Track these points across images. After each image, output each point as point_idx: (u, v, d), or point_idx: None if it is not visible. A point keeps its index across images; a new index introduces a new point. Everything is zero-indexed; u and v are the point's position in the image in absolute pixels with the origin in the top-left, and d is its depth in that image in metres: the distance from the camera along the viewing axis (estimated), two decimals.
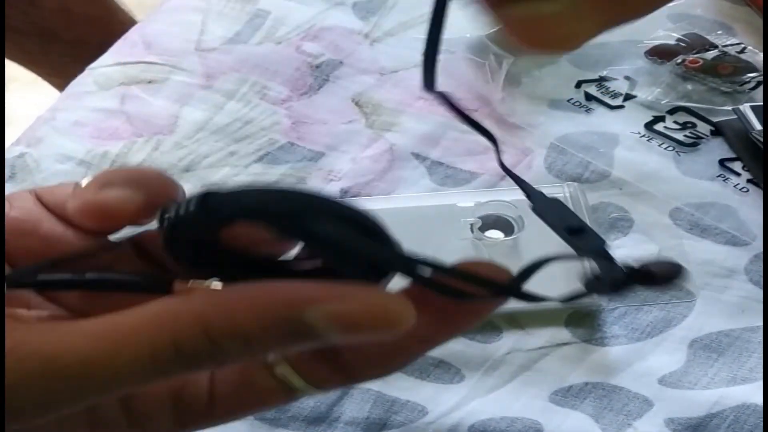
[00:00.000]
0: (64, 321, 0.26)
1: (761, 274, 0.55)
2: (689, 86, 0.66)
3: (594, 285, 0.30)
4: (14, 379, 0.24)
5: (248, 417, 0.47)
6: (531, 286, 0.53)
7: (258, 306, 0.25)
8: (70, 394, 0.25)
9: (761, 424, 0.49)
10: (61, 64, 1.00)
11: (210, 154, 0.63)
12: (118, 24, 0.98)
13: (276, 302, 0.25)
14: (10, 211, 0.31)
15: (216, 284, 0.27)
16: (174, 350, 0.25)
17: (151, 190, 0.29)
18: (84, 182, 0.31)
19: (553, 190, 0.58)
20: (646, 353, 0.52)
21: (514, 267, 0.54)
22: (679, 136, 0.63)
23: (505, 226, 0.56)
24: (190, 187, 0.59)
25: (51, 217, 0.31)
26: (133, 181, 0.29)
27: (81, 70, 0.70)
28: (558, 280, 0.53)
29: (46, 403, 0.25)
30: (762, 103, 0.63)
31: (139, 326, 0.25)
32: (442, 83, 0.36)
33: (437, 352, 0.51)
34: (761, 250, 0.57)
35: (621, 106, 0.66)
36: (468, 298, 0.27)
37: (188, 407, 0.30)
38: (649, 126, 0.64)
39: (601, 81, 0.68)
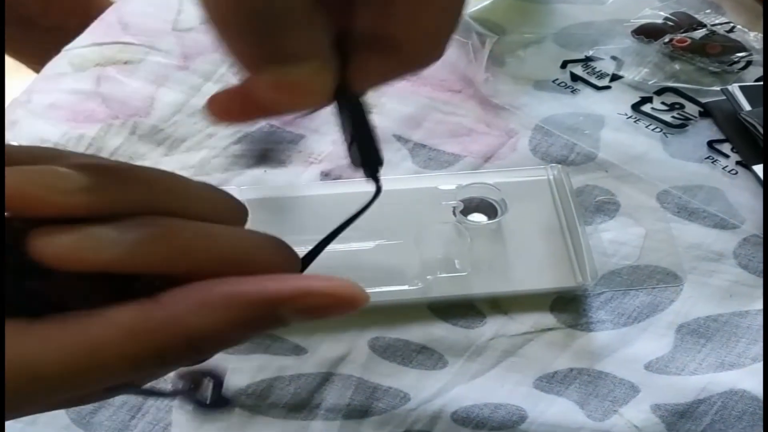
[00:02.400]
0: (36, 326, 0.25)
1: (750, 258, 0.55)
2: (677, 66, 0.66)
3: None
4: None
5: (230, 405, 0.47)
6: (518, 273, 0.53)
7: (235, 307, 0.26)
8: (47, 400, 0.25)
9: (749, 410, 0.48)
10: (42, 50, 0.99)
11: (188, 137, 0.62)
12: (96, 9, 0.97)
13: (252, 303, 0.26)
14: None
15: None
16: (158, 358, 0.25)
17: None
18: None
19: (537, 172, 0.57)
20: (633, 339, 0.52)
21: (497, 251, 0.54)
22: (667, 117, 0.63)
23: (488, 209, 0.55)
24: (168, 170, 0.59)
25: None
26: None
27: None
28: (543, 267, 0.53)
29: (22, 407, 0.25)
30: (753, 83, 0.63)
31: (121, 338, 0.25)
32: None
33: (419, 337, 0.51)
34: (750, 233, 0.56)
35: (607, 87, 0.65)
36: None
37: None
38: (636, 107, 0.64)
39: (587, 61, 0.67)
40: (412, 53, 0.30)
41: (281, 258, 0.30)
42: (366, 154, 0.34)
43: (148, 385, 0.30)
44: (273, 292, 0.27)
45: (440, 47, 0.31)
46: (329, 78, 0.29)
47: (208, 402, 0.29)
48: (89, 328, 0.25)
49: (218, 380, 0.29)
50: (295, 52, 0.27)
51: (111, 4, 1.02)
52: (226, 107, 0.31)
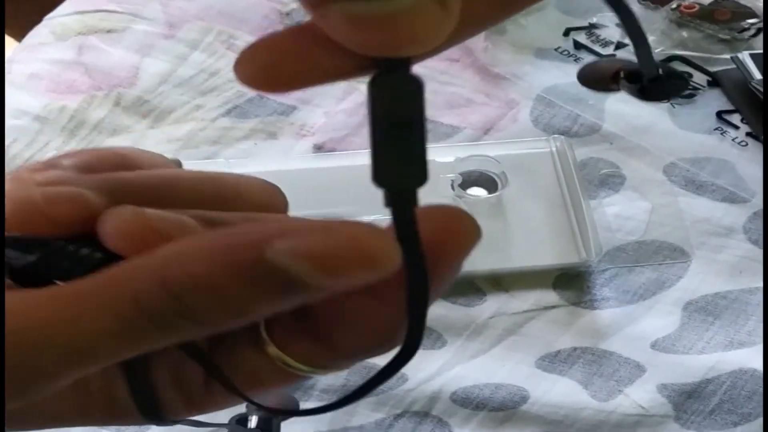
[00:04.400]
0: (27, 290, 0.24)
1: (760, 232, 0.55)
2: (685, 33, 0.65)
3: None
4: None
5: None
6: (519, 249, 0.53)
7: (214, 251, 0.22)
8: (32, 367, 0.23)
9: (759, 390, 0.48)
10: (23, 19, 0.99)
11: (175, 108, 0.61)
12: None
13: (233, 245, 0.22)
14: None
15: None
16: (137, 308, 0.23)
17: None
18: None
19: (539, 144, 0.57)
20: (638, 316, 0.51)
21: (498, 226, 0.53)
22: None
23: (487, 182, 0.55)
24: (154, 143, 0.58)
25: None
26: (84, 165, 0.27)
27: None
28: (546, 243, 0.53)
29: (18, 380, 0.23)
30: (764, 51, 0.62)
31: (98, 286, 0.23)
32: None
33: None
34: (760, 207, 0.56)
35: (612, 55, 0.65)
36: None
37: (188, 387, 0.28)
38: None
39: (590, 28, 0.66)
40: None
41: None
42: (394, 160, 0.22)
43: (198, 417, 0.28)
44: (253, 230, 0.23)
45: None
46: (434, 17, 0.20)
47: None
48: (77, 282, 0.23)
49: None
50: None
51: None
52: (267, 67, 0.22)
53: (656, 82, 0.35)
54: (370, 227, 0.22)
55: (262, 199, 0.28)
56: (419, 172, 0.22)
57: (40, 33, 0.68)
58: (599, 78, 0.42)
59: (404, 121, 0.22)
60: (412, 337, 0.24)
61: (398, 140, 0.22)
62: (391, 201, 0.22)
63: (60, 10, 0.69)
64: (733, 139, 0.60)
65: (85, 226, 0.25)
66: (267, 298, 0.23)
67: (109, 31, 0.66)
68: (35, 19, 0.87)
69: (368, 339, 0.26)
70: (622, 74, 0.40)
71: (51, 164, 0.27)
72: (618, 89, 0.41)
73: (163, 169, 0.28)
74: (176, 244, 0.23)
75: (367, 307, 0.25)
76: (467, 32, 0.22)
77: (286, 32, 0.22)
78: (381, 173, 0.22)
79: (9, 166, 0.57)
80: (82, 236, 0.24)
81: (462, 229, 0.24)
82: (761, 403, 0.48)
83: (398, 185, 0.22)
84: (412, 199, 0.22)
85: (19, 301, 0.23)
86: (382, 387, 0.48)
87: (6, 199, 0.25)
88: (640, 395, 0.48)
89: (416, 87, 0.21)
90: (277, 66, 0.22)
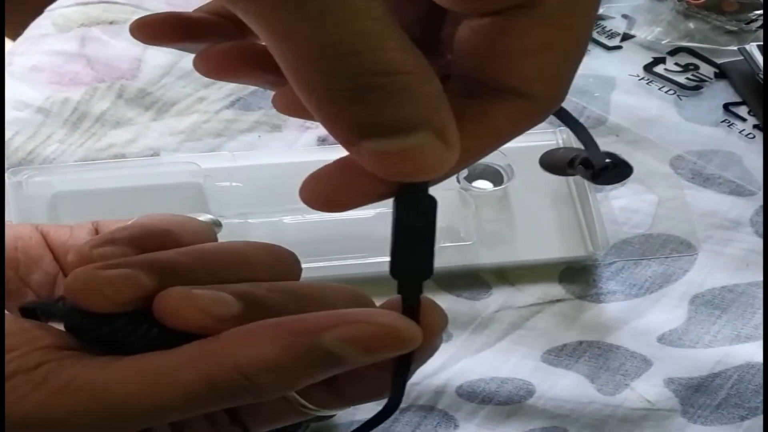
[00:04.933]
0: (112, 358, 0.29)
1: None
2: (692, 25, 0.65)
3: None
4: (67, 410, 0.27)
5: None
6: (525, 242, 0.53)
7: (280, 337, 0.28)
8: (114, 424, 0.28)
9: None
10: (28, 22, 0.99)
11: (178, 101, 0.61)
12: None
13: (295, 332, 0.28)
14: (15, 244, 0.36)
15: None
16: (209, 387, 0.28)
17: (152, 248, 0.32)
18: (83, 230, 0.37)
19: (545, 136, 0.57)
20: (645, 310, 0.51)
21: (503, 219, 0.53)
22: (681, 78, 0.62)
23: (493, 175, 0.55)
24: (157, 135, 0.58)
25: (51, 256, 0.36)
26: (135, 240, 0.32)
27: None
28: (552, 236, 0.53)
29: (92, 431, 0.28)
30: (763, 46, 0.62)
31: (177, 365, 0.28)
32: None
33: None
34: None
35: (618, 47, 0.65)
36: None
37: (218, 421, 0.34)
38: (648, 68, 0.63)
39: (597, 19, 0.66)
40: (542, 102, 0.28)
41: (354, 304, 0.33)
42: (408, 258, 0.29)
43: None
44: (311, 320, 0.29)
45: (565, 91, 0.29)
46: (443, 151, 0.26)
47: None
48: (156, 357, 0.29)
49: None
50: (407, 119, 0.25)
51: None
52: (324, 196, 0.28)
53: (605, 170, 0.47)
54: (401, 317, 0.29)
55: (279, 267, 0.34)
56: (427, 269, 0.28)
57: (41, 24, 0.67)
58: (557, 164, 0.50)
59: (419, 230, 0.28)
60: (396, 394, 0.31)
61: (414, 244, 0.28)
62: (403, 289, 0.29)
63: (61, 1, 0.69)
64: (740, 132, 0.59)
65: (138, 304, 0.30)
66: (315, 374, 0.29)
67: (111, 23, 0.65)
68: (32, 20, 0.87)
69: (368, 391, 0.33)
70: (577, 161, 0.48)
71: (107, 240, 0.32)
72: (575, 173, 0.49)
73: (203, 245, 0.33)
74: (241, 330, 0.29)
75: (372, 369, 0.30)
76: (469, 161, 0.28)
77: (335, 166, 0.28)
78: (398, 268, 0.28)
79: (11, 159, 0.57)
80: (136, 312, 0.30)
81: (433, 321, 0.30)
82: None
83: (410, 278, 0.29)
84: (419, 289, 0.29)
85: (103, 371, 0.28)
86: None
87: (71, 277, 0.30)
88: (646, 389, 0.48)
89: (431, 204, 0.28)
90: (330, 196, 0.28)
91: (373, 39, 0.24)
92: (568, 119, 0.43)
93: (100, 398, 0.28)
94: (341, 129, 0.26)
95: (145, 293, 0.30)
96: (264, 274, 0.33)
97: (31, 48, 0.65)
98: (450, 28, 0.30)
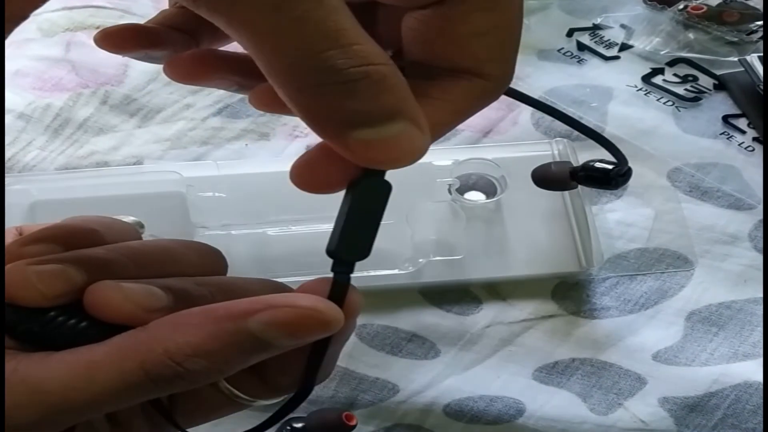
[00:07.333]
0: (45, 354, 0.30)
1: None
2: (691, 35, 0.65)
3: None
4: (9, 405, 0.28)
5: None
6: (517, 256, 0.53)
7: (208, 323, 0.30)
8: (53, 417, 0.29)
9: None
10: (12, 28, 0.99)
11: (164, 107, 0.61)
12: None
13: (222, 318, 0.30)
14: None
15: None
16: (143, 374, 0.29)
17: (78, 247, 0.33)
18: (9, 234, 0.37)
19: (540, 147, 0.56)
20: (640, 327, 0.51)
21: (495, 232, 0.53)
22: (680, 90, 0.62)
23: (486, 187, 0.55)
24: (141, 143, 0.58)
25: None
26: (61, 238, 0.33)
27: None
28: (545, 250, 0.52)
29: (33, 426, 0.29)
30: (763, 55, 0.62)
31: (110, 354, 0.29)
32: None
33: (410, 325, 0.50)
34: None
35: (616, 57, 0.65)
36: None
37: (155, 415, 0.35)
38: (646, 79, 0.63)
39: (595, 29, 0.66)
40: (495, 79, 0.32)
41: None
42: (352, 239, 0.30)
43: None
44: (237, 306, 0.30)
45: (513, 69, 0.33)
46: (420, 136, 0.29)
47: None
48: (87, 350, 0.30)
49: None
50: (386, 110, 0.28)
51: None
52: (309, 176, 0.31)
53: (624, 176, 0.49)
54: (322, 300, 0.30)
55: (206, 264, 0.35)
56: (366, 250, 0.30)
57: (26, 29, 0.67)
58: (552, 179, 0.51)
59: (370, 213, 0.30)
60: (307, 379, 0.33)
61: (360, 226, 0.30)
62: (336, 267, 0.31)
63: (47, 5, 0.68)
64: (739, 144, 0.59)
65: (69, 298, 0.31)
66: (244, 359, 0.30)
67: (97, 28, 0.65)
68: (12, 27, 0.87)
69: (298, 380, 0.34)
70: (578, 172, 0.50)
71: (35, 239, 0.33)
72: (574, 187, 0.51)
73: (129, 242, 0.34)
74: (170, 318, 0.30)
75: (300, 357, 0.32)
76: (432, 140, 0.30)
77: (315, 153, 0.30)
78: (339, 247, 0.30)
79: None
80: (66, 306, 0.31)
81: (351, 303, 0.32)
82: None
83: (349, 258, 0.30)
84: (351, 268, 0.31)
85: (39, 366, 0.29)
86: (372, 399, 0.48)
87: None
88: (640, 408, 0.48)
89: (387, 189, 0.30)
90: (312, 179, 0.30)
91: (351, 34, 0.27)
92: (581, 127, 0.48)
93: (37, 393, 0.29)
94: (330, 123, 0.28)
95: (75, 287, 0.31)
96: (191, 270, 0.34)
97: (15, 53, 0.65)
98: (384, 23, 0.34)
